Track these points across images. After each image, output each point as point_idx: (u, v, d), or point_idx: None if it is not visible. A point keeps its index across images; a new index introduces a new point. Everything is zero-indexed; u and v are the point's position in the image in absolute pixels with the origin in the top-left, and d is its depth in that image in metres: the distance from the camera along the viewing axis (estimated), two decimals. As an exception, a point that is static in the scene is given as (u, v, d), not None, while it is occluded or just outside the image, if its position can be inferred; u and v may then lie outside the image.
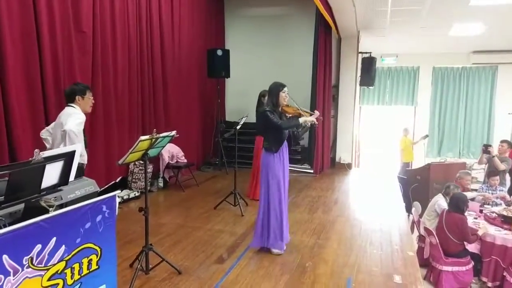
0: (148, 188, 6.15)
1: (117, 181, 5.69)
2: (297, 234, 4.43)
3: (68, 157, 1.84)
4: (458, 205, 4.88)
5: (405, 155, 9.99)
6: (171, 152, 6.58)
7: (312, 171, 8.01)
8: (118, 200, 5.32)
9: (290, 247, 3.96)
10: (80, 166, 3.39)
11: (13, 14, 3.94)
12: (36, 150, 1.61)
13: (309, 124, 3.81)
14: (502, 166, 6.41)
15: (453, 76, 10.58)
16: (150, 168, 6.15)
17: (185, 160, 6.84)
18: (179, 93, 7.24)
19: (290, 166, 7.86)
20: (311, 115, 3.91)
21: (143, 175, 6.01)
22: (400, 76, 10.93)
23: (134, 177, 5.96)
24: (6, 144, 3.93)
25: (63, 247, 1.69)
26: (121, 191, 5.65)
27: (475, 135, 10.32)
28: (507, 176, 6.63)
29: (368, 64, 8.45)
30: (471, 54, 10.06)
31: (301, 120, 3.74)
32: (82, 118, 3.45)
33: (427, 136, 10.33)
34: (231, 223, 4.80)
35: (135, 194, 5.76)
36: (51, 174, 1.79)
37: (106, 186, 5.38)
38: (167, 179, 6.66)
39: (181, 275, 3.34)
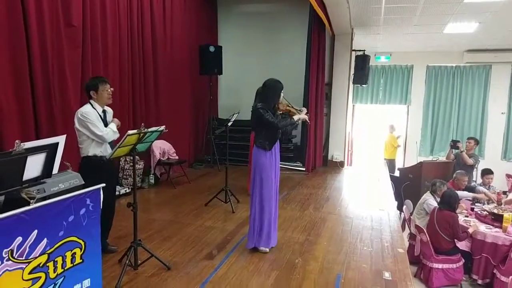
0: (139, 184, 6.17)
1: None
2: (288, 231, 4.41)
3: (51, 149, 1.80)
4: (449, 202, 4.90)
5: (389, 152, 10.11)
6: (162, 148, 6.55)
7: (304, 169, 8.00)
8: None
9: (280, 244, 3.94)
10: (95, 157, 3.41)
11: (0, 8, 3.88)
12: (17, 141, 1.58)
13: (301, 121, 3.82)
14: (470, 161, 6.78)
15: (447, 75, 10.58)
16: (141, 165, 6.11)
17: (177, 157, 6.81)
18: (171, 89, 7.19)
19: (282, 164, 7.89)
20: (299, 111, 3.90)
21: (134, 171, 5.99)
22: (393, 75, 10.92)
23: (125, 173, 5.91)
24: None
25: (45, 240, 1.66)
26: (112, 187, 5.59)
27: (468, 134, 10.28)
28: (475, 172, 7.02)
29: (362, 62, 8.45)
30: (465, 53, 10.09)
31: (295, 117, 3.73)
32: (84, 114, 3.35)
33: (399, 136, 10.54)
34: (221, 219, 4.78)
35: (125, 191, 5.72)
36: (34, 166, 1.76)
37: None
38: (158, 176, 6.62)
39: (170, 271, 3.32)
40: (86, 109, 3.39)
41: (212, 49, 7.84)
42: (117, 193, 5.55)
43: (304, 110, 3.98)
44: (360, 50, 8.55)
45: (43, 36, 4.39)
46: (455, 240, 4.93)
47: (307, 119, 3.91)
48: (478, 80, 10.36)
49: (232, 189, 5.49)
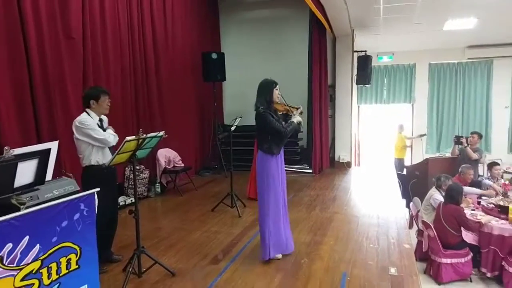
0: (146, 194, 6.19)
1: (113, 187, 5.64)
2: (294, 232, 4.32)
3: (43, 155, 1.81)
4: (452, 196, 4.86)
5: (399, 152, 10.10)
6: (168, 156, 6.57)
7: (311, 171, 7.96)
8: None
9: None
10: (98, 166, 3.42)
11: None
12: (6, 147, 1.59)
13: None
14: (474, 156, 6.74)
15: (449, 71, 10.52)
16: (146, 174, 6.13)
17: (182, 165, 6.82)
18: (175, 97, 7.22)
19: (288, 167, 7.84)
20: (297, 109, 3.89)
21: (140, 181, 6.02)
22: (396, 74, 10.89)
23: (130, 183, 5.93)
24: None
25: (38, 246, 1.67)
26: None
27: (473, 129, 10.10)
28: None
29: (364, 63, 8.41)
30: (466, 49, 10.02)
31: (295, 120, 3.66)
32: (82, 121, 3.38)
33: (424, 135, 10.55)
34: (228, 224, 4.77)
35: (131, 200, 5.72)
36: (26, 172, 1.77)
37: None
38: (165, 184, 6.62)
39: (175, 277, 3.30)
40: (83, 117, 3.41)
41: (214, 56, 7.88)
42: (123, 203, 5.59)
43: (301, 107, 3.97)
44: (362, 51, 8.52)
45: (43, 49, 4.43)
46: (466, 232, 4.87)
47: (301, 122, 3.81)
48: (481, 75, 10.32)
49: (239, 193, 5.49)
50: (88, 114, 3.44)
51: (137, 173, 5.89)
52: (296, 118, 3.71)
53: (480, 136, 7.02)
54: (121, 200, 5.61)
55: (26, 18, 4.20)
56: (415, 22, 7.79)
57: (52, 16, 4.58)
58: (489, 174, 6.48)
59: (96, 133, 3.40)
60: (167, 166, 6.53)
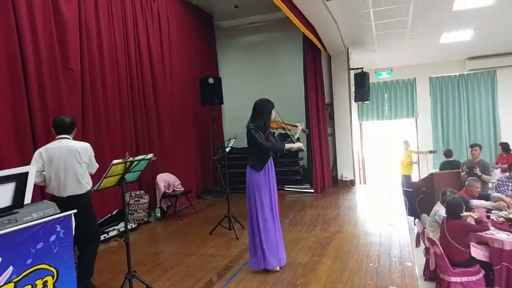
0: (146, 219, 6.17)
1: (113, 214, 5.65)
2: (292, 252, 4.29)
3: (20, 179, 1.83)
4: (455, 211, 4.69)
5: (405, 168, 9.92)
6: (167, 181, 6.57)
7: (312, 190, 7.88)
8: (114, 232, 5.28)
9: (283, 266, 3.83)
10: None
11: None
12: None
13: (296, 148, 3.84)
14: (490, 179, 6.58)
15: (451, 84, 10.50)
16: (146, 199, 6.13)
17: (182, 189, 6.80)
18: (174, 123, 7.29)
19: (290, 187, 7.79)
20: (296, 127, 3.97)
21: (139, 206, 6.02)
22: (397, 89, 10.90)
23: (130, 209, 5.93)
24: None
25: (11, 268, 1.66)
26: (117, 224, 5.60)
27: (481, 142, 10.02)
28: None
29: (361, 80, 8.47)
30: (467, 61, 10.03)
31: (287, 146, 3.76)
32: (90, 147, 3.55)
33: (435, 151, 10.34)
34: (225, 246, 4.71)
35: (131, 226, 5.71)
36: (3, 196, 1.78)
37: (102, 220, 5.36)
38: (165, 209, 6.60)
39: (167, 301, 3.26)
40: (87, 143, 3.52)
41: (211, 80, 7.96)
42: (122, 229, 5.57)
43: (299, 125, 4.03)
44: (358, 68, 8.59)
45: (42, 81, 4.54)
46: (474, 247, 4.69)
47: (302, 148, 3.93)
48: (484, 86, 10.24)
49: (238, 215, 5.44)
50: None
51: (137, 198, 5.99)
52: (294, 145, 3.78)
53: (480, 147, 6.86)
54: (121, 226, 5.59)
55: (26, 51, 4.34)
56: (409, 37, 7.86)
57: (51, 47, 4.72)
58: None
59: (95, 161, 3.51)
60: (167, 191, 6.53)
